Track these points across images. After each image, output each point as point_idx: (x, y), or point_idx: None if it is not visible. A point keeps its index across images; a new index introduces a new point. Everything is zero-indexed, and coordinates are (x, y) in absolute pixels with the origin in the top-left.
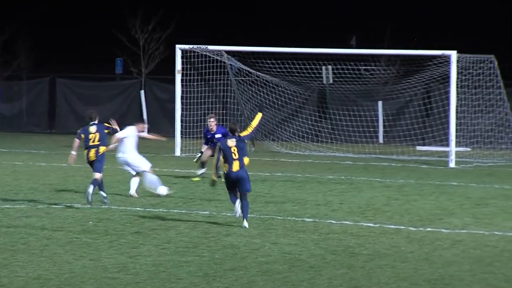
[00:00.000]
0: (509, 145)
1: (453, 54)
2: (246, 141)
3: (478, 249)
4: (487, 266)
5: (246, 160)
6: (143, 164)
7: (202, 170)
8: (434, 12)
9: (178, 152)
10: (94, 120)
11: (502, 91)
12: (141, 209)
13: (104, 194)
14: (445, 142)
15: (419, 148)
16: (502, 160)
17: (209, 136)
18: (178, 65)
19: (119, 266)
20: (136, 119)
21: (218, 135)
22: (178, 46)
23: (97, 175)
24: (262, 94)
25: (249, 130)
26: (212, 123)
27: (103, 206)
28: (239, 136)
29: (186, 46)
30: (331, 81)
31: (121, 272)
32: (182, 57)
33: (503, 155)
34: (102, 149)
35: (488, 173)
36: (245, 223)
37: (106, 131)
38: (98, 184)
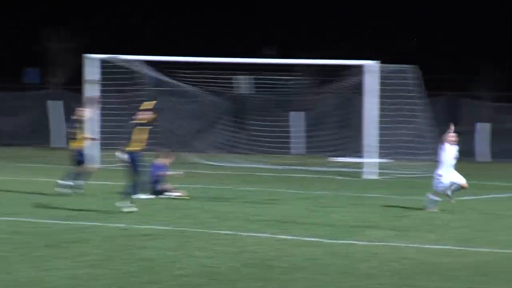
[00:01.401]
0: (431, 156)
1: (368, 64)
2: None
3: (397, 261)
4: (406, 278)
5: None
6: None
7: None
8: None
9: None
10: None
11: (423, 102)
12: (53, 222)
13: None
14: (365, 153)
15: (338, 159)
16: (423, 171)
17: None
18: (89, 75)
19: (34, 279)
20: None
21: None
22: (87, 56)
23: None
24: (180, 104)
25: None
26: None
27: (11, 219)
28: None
29: (97, 56)
30: (246, 91)
31: (35, 285)
32: (100, 67)
33: (424, 166)
34: None
35: (409, 185)
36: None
37: None
38: None
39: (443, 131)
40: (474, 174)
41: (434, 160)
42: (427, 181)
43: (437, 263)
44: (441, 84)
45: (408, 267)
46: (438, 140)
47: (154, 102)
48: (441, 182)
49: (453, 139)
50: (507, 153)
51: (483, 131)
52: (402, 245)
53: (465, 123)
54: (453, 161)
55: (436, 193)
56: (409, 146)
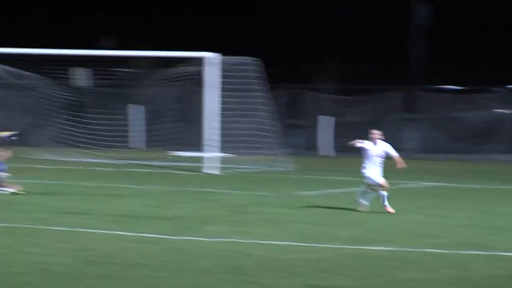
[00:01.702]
0: (272, 150)
1: (208, 56)
2: None
3: (239, 257)
4: (248, 275)
5: None
6: None
7: None
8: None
9: None
10: None
11: (265, 95)
12: None
13: None
14: (206, 147)
15: (178, 153)
16: (264, 166)
17: None
18: None
19: None
20: None
21: None
22: None
23: None
24: (14, 97)
25: None
26: None
27: None
28: None
29: None
30: (84, 84)
31: None
32: None
33: (266, 160)
34: None
35: (250, 180)
36: None
37: None
38: None
39: (285, 125)
40: (317, 168)
41: (276, 155)
42: (268, 176)
43: (280, 259)
44: (283, 77)
45: (250, 263)
46: (280, 134)
47: None
48: (368, 177)
49: (376, 136)
50: (350, 147)
51: (326, 124)
52: (244, 241)
53: (308, 117)
54: (378, 159)
55: (368, 185)
56: (251, 140)
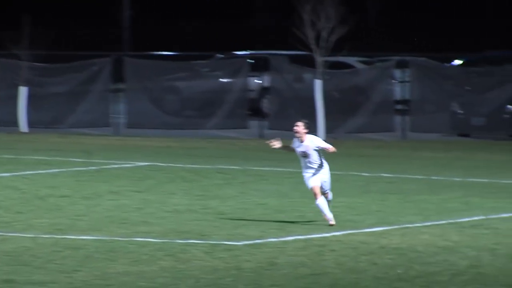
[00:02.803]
0: None
1: None
2: None
3: None
4: None
5: None
6: None
7: None
8: None
9: None
10: None
11: None
12: None
13: None
14: None
15: None
16: None
17: None
18: None
19: None
20: None
21: None
22: None
23: None
24: None
25: None
26: None
27: None
28: None
29: None
30: None
31: None
32: None
33: None
34: None
35: None
36: None
37: None
38: None
39: None
40: (12, 147)
41: None
42: None
43: None
44: None
45: None
46: None
47: None
48: (304, 181)
49: (301, 130)
50: (47, 122)
51: (22, 96)
52: None
53: (3, 87)
54: (308, 159)
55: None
56: None
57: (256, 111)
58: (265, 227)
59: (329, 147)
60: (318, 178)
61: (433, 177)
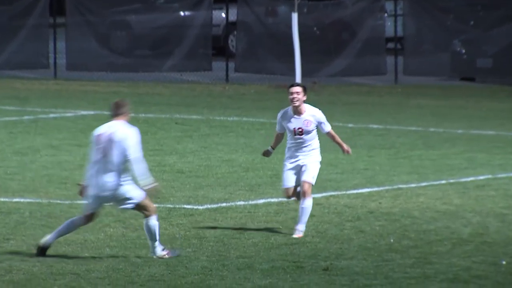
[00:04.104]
0: None
1: None
2: None
3: None
4: None
5: None
6: None
7: None
8: None
9: None
10: None
11: None
12: None
13: None
14: None
15: None
16: None
17: None
18: None
19: None
20: None
21: None
22: None
23: None
24: None
25: None
26: None
27: None
28: None
29: None
30: None
31: None
32: None
33: None
34: None
35: None
36: None
37: None
38: None
39: None
40: None
41: None
42: None
43: None
44: None
45: None
46: None
47: None
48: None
49: (295, 97)
50: None
51: None
52: None
53: None
54: (296, 139)
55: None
56: None
57: (221, 50)
58: (232, 188)
59: (331, 132)
60: (295, 178)
61: (431, 129)
